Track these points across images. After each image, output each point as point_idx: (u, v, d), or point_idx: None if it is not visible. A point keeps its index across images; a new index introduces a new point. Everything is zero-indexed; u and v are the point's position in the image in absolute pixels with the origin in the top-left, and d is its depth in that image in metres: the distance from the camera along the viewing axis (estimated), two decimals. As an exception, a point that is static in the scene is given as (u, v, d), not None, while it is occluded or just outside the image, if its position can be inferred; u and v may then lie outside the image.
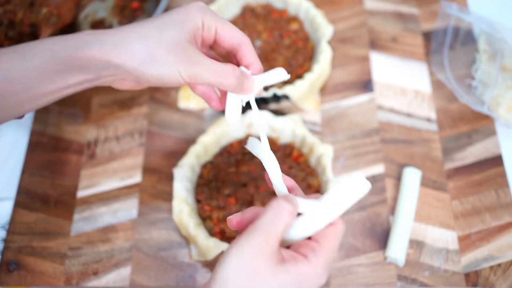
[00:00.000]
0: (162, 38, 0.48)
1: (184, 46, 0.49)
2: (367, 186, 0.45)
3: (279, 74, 0.53)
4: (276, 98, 0.78)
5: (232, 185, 0.72)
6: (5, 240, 0.73)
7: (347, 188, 0.45)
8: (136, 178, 0.78)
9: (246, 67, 0.54)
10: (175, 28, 0.49)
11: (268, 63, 0.82)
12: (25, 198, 0.76)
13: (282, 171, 0.73)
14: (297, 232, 0.46)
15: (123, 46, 0.48)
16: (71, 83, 0.50)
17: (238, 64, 0.55)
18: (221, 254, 0.65)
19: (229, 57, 0.57)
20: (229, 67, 0.51)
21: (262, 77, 0.54)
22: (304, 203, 0.46)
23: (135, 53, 0.48)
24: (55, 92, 0.50)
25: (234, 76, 0.51)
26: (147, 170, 0.78)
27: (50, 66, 0.48)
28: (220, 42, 0.53)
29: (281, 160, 0.74)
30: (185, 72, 0.49)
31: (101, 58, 0.48)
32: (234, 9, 0.88)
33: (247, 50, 0.53)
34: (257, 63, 0.54)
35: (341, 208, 0.45)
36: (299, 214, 0.46)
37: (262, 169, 0.72)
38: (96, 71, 0.49)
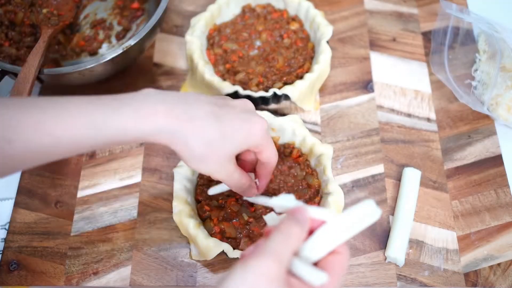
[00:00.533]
0: (220, 149, 0.53)
1: (231, 159, 0.55)
2: (378, 213, 0.45)
3: (287, 200, 0.49)
4: (276, 98, 0.79)
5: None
6: (5, 240, 0.73)
7: (358, 214, 0.45)
8: (136, 178, 0.78)
9: (257, 176, 0.63)
10: (234, 144, 0.54)
11: (268, 63, 0.82)
12: (25, 198, 0.76)
13: (282, 171, 0.73)
14: (305, 255, 0.45)
15: (185, 141, 0.52)
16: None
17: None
18: (221, 254, 0.65)
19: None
20: (244, 181, 0.59)
21: (267, 199, 0.51)
22: (318, 216, 0.46)
23: (192, 150, 0.53)
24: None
25: (243, 188, 0.60)
26: (147, 170, 0.78)
27: (121, 137, 0.51)
28: (255, 153, 0.60)
29: (281, 160, 0.74)
30: (217, 174, 0.56)
31: (165, 143, 0.53)
32: (234, 9, 0.88)
33: (267, 170, 0.62)
34: (264, 181, 0.63)
35: (350, 234, 0.45)
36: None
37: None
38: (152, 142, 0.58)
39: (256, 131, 0.55)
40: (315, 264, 0.45)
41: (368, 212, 0.45)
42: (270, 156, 0.59)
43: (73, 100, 0.51)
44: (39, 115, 0.48)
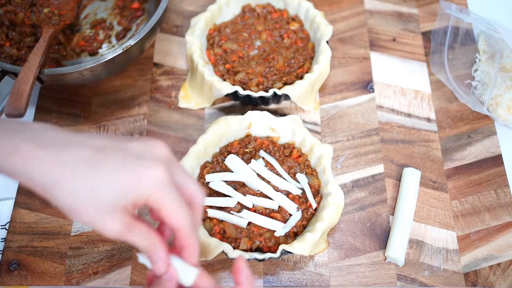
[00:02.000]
0: (90, 202, 0.45)
1: (110, 213, 0.45)
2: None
3: (187, 273, 0.49)
4: (276, 98, 0.79)
5: (231, 185, 0.72)
6: (6, 240, 0.73)
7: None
8: (136, 178, 0.78)
9: (181, 249, 0.50)
10: (111, 196, 0.45)
11: (268, 63, 0.82)
12: (25, 198, 0.76)
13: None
14: None
15: (51, 189, 0.45)
16: None
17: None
18: (221, 254, 0.65)
19: None
20: (147, 243, 0.48)
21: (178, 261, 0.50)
22: None
23: (58, 200, 0.45)
24: None
25: (147, 253, 0.49)
26: (147, 170, 0.78)
27: None
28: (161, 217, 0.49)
29: (281, 160, 0.74)
30: (99, 230, 0.46)
31: (35, 184, 0.45)
32: (234, 9, 0.88)
33: (180, 237, 0.49)
34: (192, 250, 0.50)
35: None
36: None
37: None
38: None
39: (145, 181, 0.45)
40: None
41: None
42: (172, 217, 0.47)
43: None
44: None
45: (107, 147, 0.47)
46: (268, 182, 0.71)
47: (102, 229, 0.46)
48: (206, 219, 0.69)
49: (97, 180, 0.45)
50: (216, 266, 0.71)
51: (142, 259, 0.49)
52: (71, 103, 0.85)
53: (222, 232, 0.68)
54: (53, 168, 0.45)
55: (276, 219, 0.69)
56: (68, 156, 0.45)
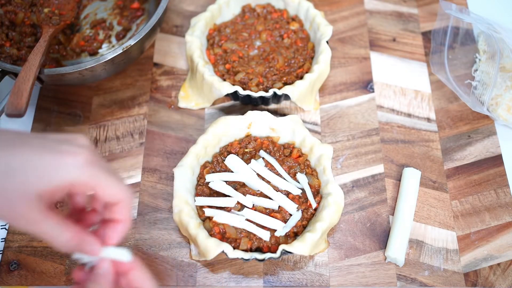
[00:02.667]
0: (4, 189, 0.41)
1: (27, 203, 0.42)
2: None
3: (121, 254, 0.50)
4: (276, 98, 0.79)
5: (231, 185, 0.72)
6: (6, 240, 0.73)
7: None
8: (136, 178, 0.78)
9: (116, 224, 0.49)
10: (29, 182, 0.41)
11: (268, 63, 0.82)
12: (26, 198, 0.76)
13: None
14: None
15: None
16: None
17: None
18: (221, 254, 0.65)
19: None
20: (66, 237, 0.45)
21: (108, 250, 0.50)
22: None
23: None
24: None
25: (70, 246, 0.46)
26: (147, 170, 0.78)
27: None
28: (95, 196, 0.48)
29: (281, 160, 0.74)
30: (13, 223, 0.44)
31: None
32: (234, 9, 0.88)
33: (121, 213, 0.48)
34: (123, 228, 0.49)
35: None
36: None
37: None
38: None
39: (69, 163, 0.42)
40: None
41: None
42: (111, 191, 0.46)
43: None
44: None
45: (27, 135, 0.45)
46: (268, 182, 0.71)
47: (14, 218, 0.42)
48: (206, 219, 0.69)
49: (11, 164, 0.42)
50: (216, 266, 0.71)
51: (77, 254, 0.49)
52: (71, 103, 0.85)
53: (222, 232, 0.68)
54: None
55: (276, 219, 0.69)
56: None
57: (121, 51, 0.75)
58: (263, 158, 0.73)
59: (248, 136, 0.76)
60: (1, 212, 0.42)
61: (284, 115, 0.82)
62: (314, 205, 0.70)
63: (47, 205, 0.44)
